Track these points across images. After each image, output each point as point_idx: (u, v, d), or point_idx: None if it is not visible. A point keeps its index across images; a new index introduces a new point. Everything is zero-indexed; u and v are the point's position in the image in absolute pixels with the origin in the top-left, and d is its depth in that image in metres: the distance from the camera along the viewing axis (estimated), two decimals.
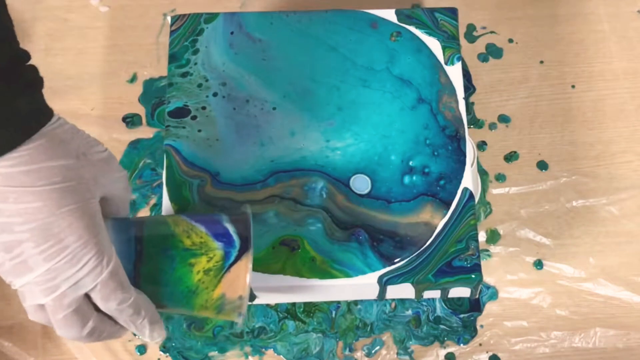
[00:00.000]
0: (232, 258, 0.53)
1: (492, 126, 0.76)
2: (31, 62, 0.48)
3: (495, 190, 0.73)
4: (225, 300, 0.53)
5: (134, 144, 0.75)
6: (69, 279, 0.46)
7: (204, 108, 0.66)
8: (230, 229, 0.54)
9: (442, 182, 0.64)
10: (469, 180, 0.64)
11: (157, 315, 0.52)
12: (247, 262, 0.53)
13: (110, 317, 0.50)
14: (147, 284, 0.51)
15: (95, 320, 0.48)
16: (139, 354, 0.68)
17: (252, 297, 0.63)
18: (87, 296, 0.48)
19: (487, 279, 0.70)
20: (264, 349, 0.68)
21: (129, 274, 0.50)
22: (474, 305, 0.69)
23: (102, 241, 0.47)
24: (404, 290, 0.62)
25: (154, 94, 0.77)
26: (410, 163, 0.64)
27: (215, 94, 0.67)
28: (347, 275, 0.61)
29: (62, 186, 0.46)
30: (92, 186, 0.48)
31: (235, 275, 0.53)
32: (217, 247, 0.53)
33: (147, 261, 0.51)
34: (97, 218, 0.48)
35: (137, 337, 0.68)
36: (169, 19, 0.76)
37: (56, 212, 0.46)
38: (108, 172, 0.50)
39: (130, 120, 0.76)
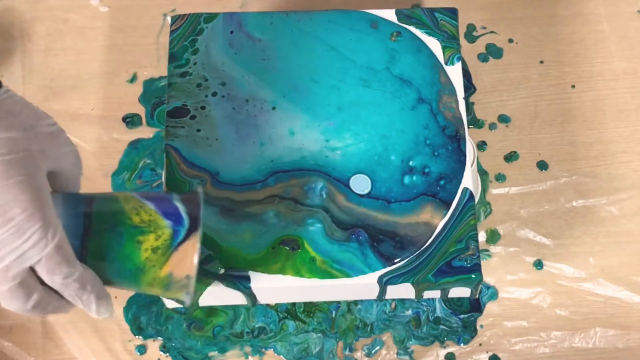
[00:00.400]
0: (181, 237, 0.52)
1: (492, 126, 0.76)
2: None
3: (495, 190, 0.73)
4: (173, 279, 0.52)
5: (134, 144, 0.75)
6: (13, 251, 0.46)
7: (203, 108, 0.66)
8: (180, 207, 0.53)
9: (442, 182, 0.64)
10: (469, 180, 0.64)
11: (105, 291, 0.51)
12: (195, 241, 0.52)
13: (56, 292, 0.49)
14: (94, 260, 0.51)
15: (40, 293, 0.48)
16: (138, 354, 0.68)
17: (253, 299, 0.63)
18: (32, 270, 0.47)
19: (487, 279, 0.70)
20: (264, 349, 0.68)
21: (75, 249, 0.49)
22: (474, 306, 0.69)
23: (47, 214, 0.47)
24: (404, 290, 0.62)
25: (154, 94, 0.77)
26: (410, 163, 0.64)
27: (214, 94, 0.67)
28: (347, 275, 0.61)
29: (8, 158, 0.46)
30: (40, 159, 0.48)
31: (183, 255, 0.52)
32: (165, 225, 0.52)
33: (95, 237, 0.51)
34: (44, 191, 0.47)
35: (137, 337, 0.68)
36: (169, 19, 0.76)
37: (1, 183, 0.45)
38: (56, 145, 0.50)
39: (130, 120, 0.76)
